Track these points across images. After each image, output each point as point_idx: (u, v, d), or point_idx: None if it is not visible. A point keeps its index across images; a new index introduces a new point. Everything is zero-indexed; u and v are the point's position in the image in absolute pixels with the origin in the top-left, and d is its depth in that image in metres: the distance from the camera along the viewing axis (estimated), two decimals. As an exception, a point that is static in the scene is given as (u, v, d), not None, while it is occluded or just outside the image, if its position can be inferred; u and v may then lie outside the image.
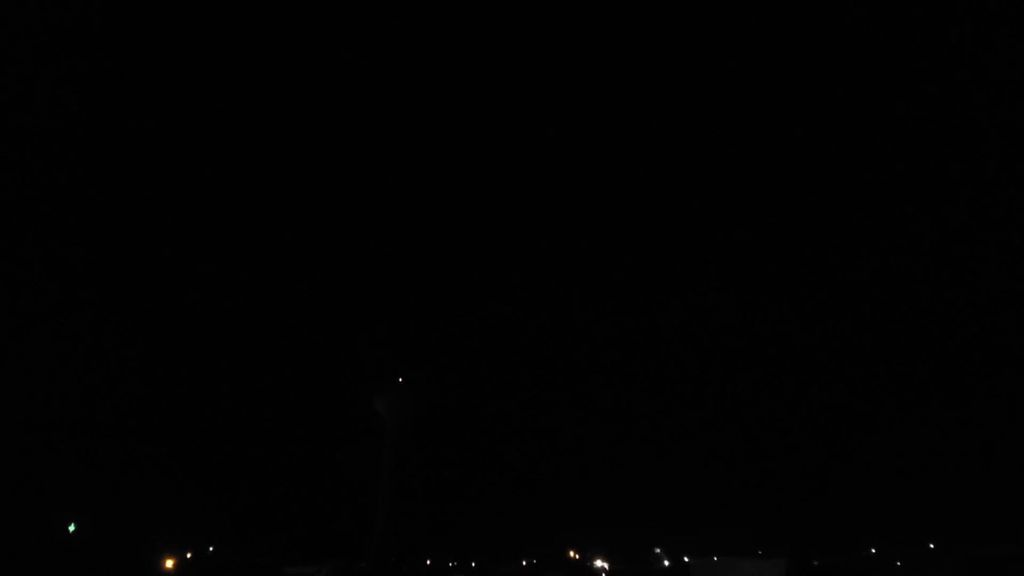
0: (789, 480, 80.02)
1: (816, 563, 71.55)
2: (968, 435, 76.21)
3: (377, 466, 68.74)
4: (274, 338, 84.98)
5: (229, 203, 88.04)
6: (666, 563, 77.31)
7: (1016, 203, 74.59)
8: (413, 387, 70.37)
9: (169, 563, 63.09)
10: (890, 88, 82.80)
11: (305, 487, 76.51)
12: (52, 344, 73.78)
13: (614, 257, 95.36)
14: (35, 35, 69.68)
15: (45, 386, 71.40)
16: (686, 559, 72.98)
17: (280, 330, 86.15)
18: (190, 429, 76.47)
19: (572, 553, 77.39)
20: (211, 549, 71.04)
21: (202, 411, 77.76)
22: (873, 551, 75.35)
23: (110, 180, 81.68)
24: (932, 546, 71.33)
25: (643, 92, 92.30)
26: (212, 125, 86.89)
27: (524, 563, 79.64)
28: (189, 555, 66.69)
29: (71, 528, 61.70)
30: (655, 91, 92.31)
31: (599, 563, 75.61)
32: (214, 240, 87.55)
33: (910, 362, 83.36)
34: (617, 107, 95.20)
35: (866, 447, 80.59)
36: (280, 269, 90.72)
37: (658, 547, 78.15)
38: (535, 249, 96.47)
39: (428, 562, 78.60)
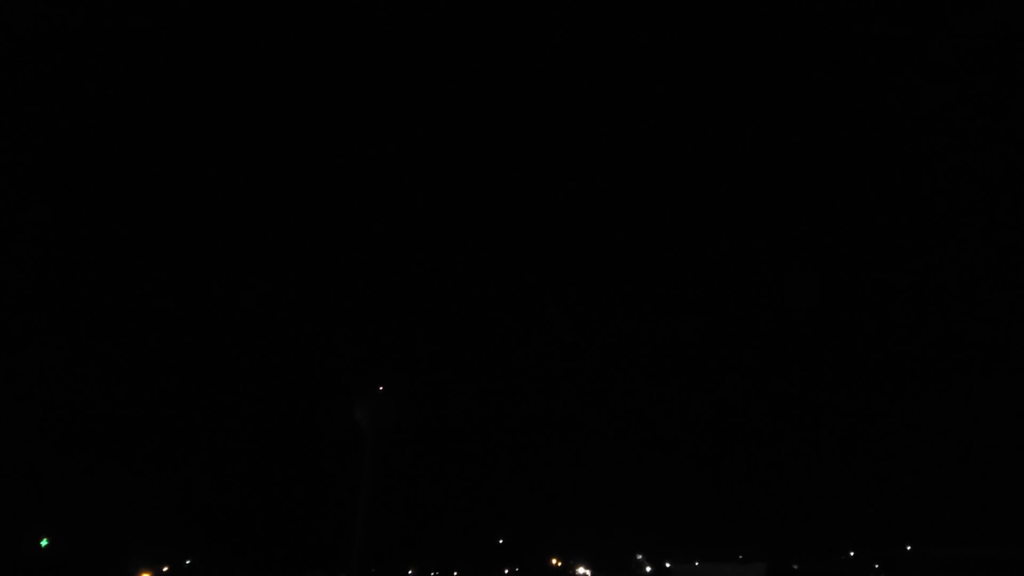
0: (769, 485, 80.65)
1: (796, 567, 72.16)
2: (944, 438, 77.38)
3: (357, 476, 68.08)
4: (251, 348, 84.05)
5: (200, 213, 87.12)
6: (648, 569, 77.41)
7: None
8: (393, 396, 69.88)
9: (145, 577, 62.06)
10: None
11: (284, 499, 75.65)
12: (23, 357, 72.51)
13: (594, 262, 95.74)
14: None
15: (16, 399, 70.13)
16: (668, 565, 73.20)
17: (257, 339, 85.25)
18: (166, 441, 75.32)
19: (554, 561, 77.23)
20: (188, 562, 69.87)
21: (178, 423, 76.62)
22: (852, 554, 76.18)
23: (86, 187, 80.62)
24: (909, 548, 72.25)
25: (633, 93, 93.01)
26: (188, 132, 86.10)
27: (506, 571, 79.25)
28: (165, 569, 65.61)
29: (43, 543, 60.52)
30: (646, 92, 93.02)
31: (581, 570, 75.53)
32: (190, 249, 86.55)
33: (887, 367, 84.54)
34: (605, 108, 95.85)
35: (844, 451, 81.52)
36: (258, 277, 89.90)
37: (640, 553, 78.28)
38: (514, 255, 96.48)
39: (410, 572, 77.90)
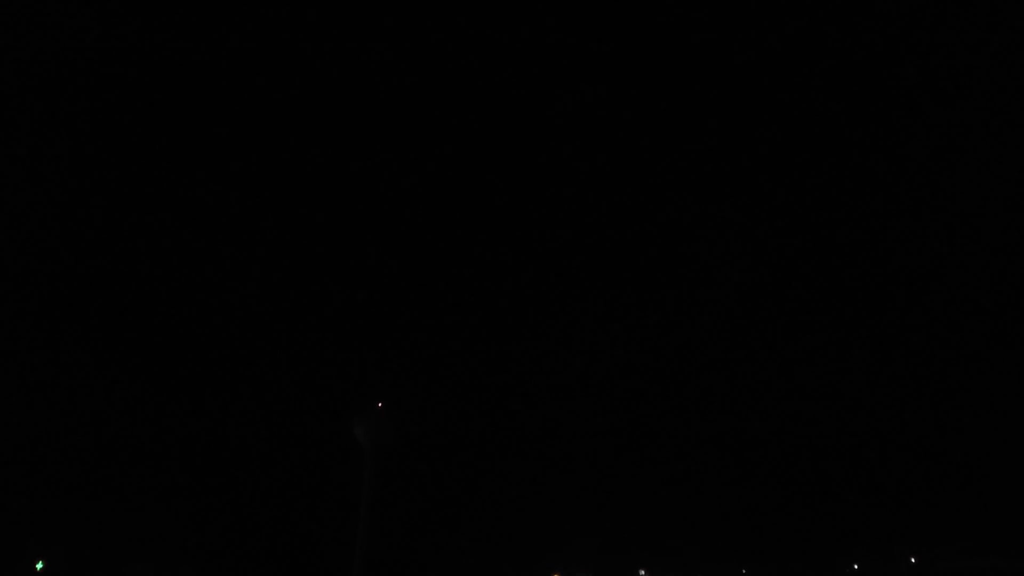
0: (772, 499, 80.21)
1: (800, 581, 71.93)
2: (948, 448, 77.07)
3: (356, 494, 67.59)
4: (246, 362, 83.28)
5: (192, 222, 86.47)
6: (651, 584, 76.94)
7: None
8: (393, 412, 69.45)
9: (141, 599, 61.67)
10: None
11: (281, 517, 74.93)
12: (19, 369, 72.00)
13: (594, 271, 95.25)
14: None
15: (9, 414, 69.58)
16: (671, 580, 72.88)
17: (252, 354, 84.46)
18: (160, 458, 74.58)
19: (556, 576, 76.68)
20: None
21: (172, 439, 75.90)
22: (856, 567, 75.85)
23: (82, 189, 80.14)
24: (913, 560, 72.01)
25: (623, 94, 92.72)
26: (176, 145, 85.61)
27: (508, 588, 78.65)
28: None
29: (39, 566, 60.09)
30: (636, 93, 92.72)
31: (584, 586, 75.03)
32: (186, 258, 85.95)
33: (886, 375, 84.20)
34: (599, 111, 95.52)
35: (847, 462, 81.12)
36: (253, 288, 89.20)
37: (643, 569, 77.76)
38: (516, 268, 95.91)
39: (410, 591, 77.18)
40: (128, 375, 77.83)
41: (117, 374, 77.59)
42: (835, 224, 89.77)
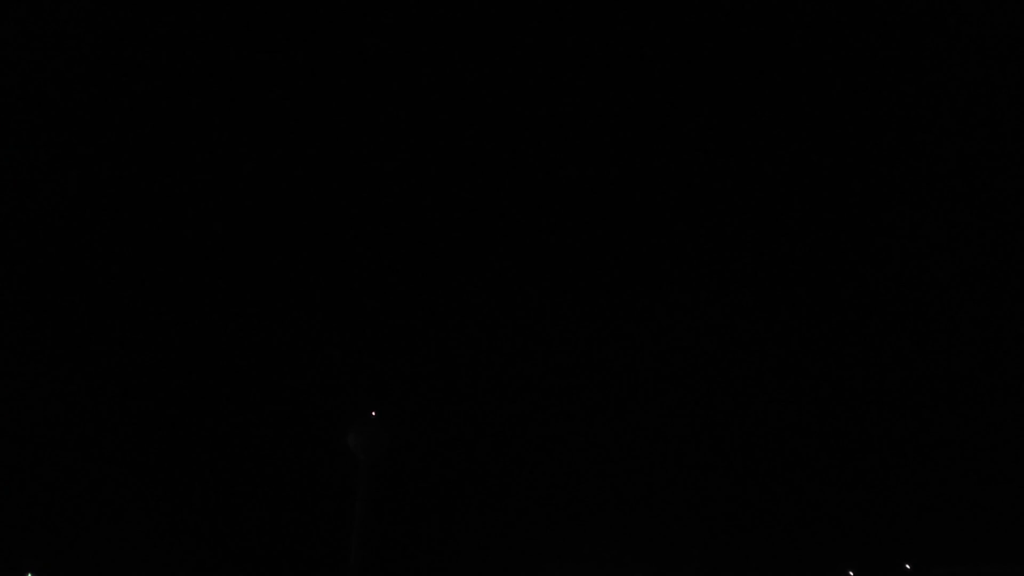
0: (768, 504, 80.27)
1: (797, 590, 71.92)
2: (944, 453, 77.24)
3: (350, 505, 67.02)
4: (236, 369, 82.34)
5: (181, 227, 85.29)
6: (648, 595, 76.89)
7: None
8: (388, 422, 68.81)
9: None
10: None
11: (274, 528, 74.41)
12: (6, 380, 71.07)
13: (587, 275, 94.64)
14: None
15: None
16: (666, 588, 72.77)
17: (242, 360, 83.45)
18: (150, 469, 73.79)
19: (552, 585, 76.52)
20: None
21: (162, 449, 75.12)
22: (851, 574, 75.96)
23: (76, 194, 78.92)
24: (908, 567, 72.14)
25: (618, 94, 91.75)
26: (172, 144, 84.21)
27: (503, 597, 78.39)
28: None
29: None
30: (632, 93, 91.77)
31: (580, 595, 74.84)
32: (177, 263, 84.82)
33: (880, 382, 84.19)
34: (592, 110, 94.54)
35: (842, 468, 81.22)
36: (245, 292, 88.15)
37: (638, 575, 77.70)
38: (513, 273, 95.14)
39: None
40: (114, 381, 77.02)
41: (103, 379, 76.75)
42: (835, 223, 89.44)
